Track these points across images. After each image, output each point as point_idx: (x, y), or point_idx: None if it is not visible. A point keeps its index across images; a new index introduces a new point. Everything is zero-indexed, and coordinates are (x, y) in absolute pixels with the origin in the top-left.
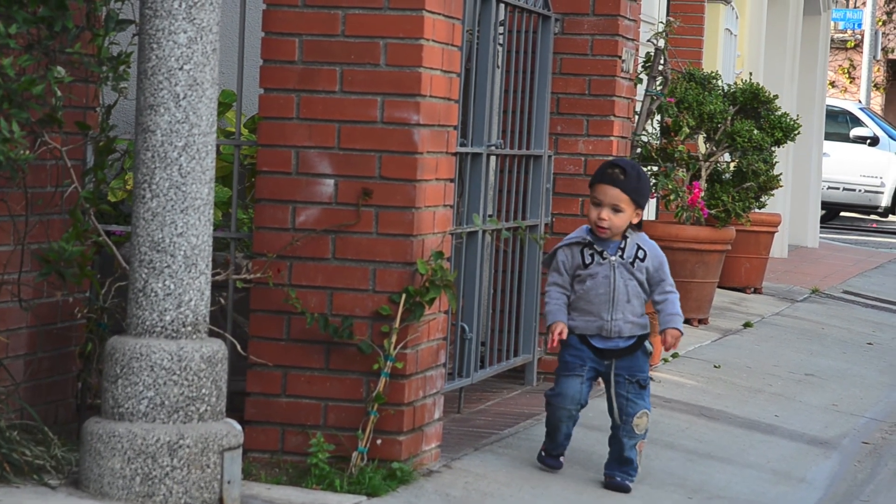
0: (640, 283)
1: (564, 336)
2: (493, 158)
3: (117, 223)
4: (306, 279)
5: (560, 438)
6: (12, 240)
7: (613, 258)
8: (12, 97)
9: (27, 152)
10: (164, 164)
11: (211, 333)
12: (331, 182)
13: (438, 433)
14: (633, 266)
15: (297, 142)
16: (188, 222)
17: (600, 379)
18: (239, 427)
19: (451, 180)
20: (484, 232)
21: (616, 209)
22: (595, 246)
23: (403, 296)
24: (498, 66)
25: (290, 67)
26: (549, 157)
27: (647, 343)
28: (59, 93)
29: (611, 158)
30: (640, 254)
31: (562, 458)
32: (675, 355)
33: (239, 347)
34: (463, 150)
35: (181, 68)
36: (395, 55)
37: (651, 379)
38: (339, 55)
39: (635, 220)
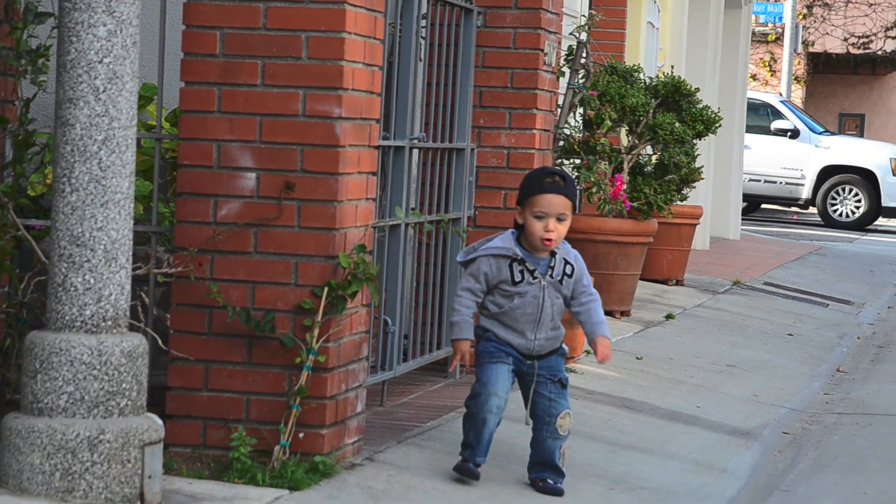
0: (565, 299)
1: (469, 362)
2: (415, 151)
3: (37, 217)
4: (228, 273)
5: (485, 437)
6: None
7: (544, 279)
8: None
9: None
10: (83, 158)
11: (131, 328)
12: (252, 176)
13: (361, 426)
14: (562, 284)
15: (218, 135)
16: (108, 216)
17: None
18: (160, 422)
19: (374, 173)
20: (406, 225)
21: (561, 218)
22: (527, 263)
23: (325, 289)
24: (420, 60)
25: (211, 61)
26: (472, 150)
27: (563, 345)
28: None
29: (537, 168)
30: (568, 269)
31: (480, 469)
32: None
33: (160, 342)
34: (385, 143)
35: (101, 61)
36: (317, 48)
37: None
38: (261, 48)
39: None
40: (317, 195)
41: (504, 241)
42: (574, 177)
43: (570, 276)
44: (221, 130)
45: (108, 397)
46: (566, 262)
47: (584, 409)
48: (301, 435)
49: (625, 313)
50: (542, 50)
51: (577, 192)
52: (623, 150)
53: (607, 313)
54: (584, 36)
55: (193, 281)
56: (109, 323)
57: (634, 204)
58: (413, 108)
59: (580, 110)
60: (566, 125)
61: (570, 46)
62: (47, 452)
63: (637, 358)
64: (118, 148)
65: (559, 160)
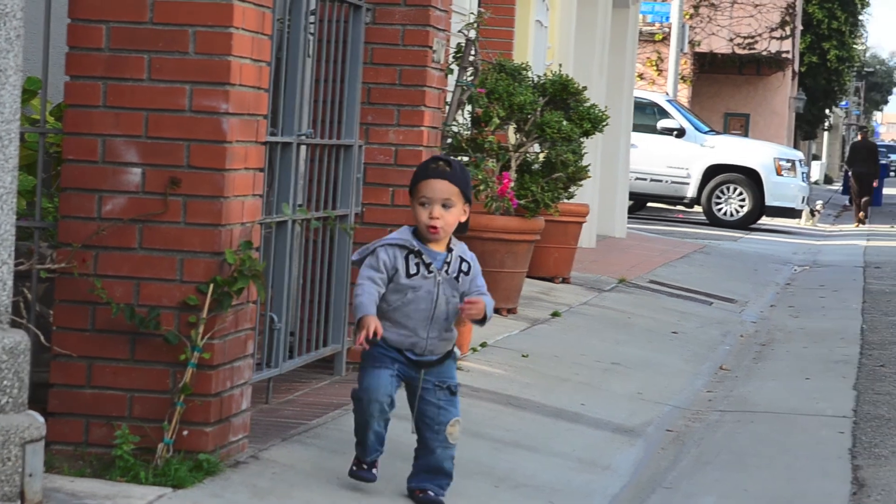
0: (460, 298)
1: (379, 333)
2: (303, 148)
3: None
4: (112, 269)
5: (371, 440)
6: None
7: (440, 274)
8: None
9: None
10: None
11: (13, 324)
12: (138, 171)
13: (246, 424)
14: (458, 281)
15: (103, 130)
16: None
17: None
18: (41, 419)
19: (261, 170)
20: (294, 222)
21: (446, 204)
22: (423, 256)
23: (211, 286)
24: (309, 56)
25: (96, 55)
26: (360, 146)
27: (455, 349)
28: None
29: (431, 156)
30: (465, 266)
31: (375, 470)
32: (480, 321)
33: (42, 338)
34: (273, 139)
35: None
36: (205, 43)
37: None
38: (148, 42)
39: (463, 218)
40: (203, 191)
41: (401, 233)
42: None
43: (466, 274)
44: (107, 125)
45: None
46: (462, 260)
47: (470, 407)
48: (185, 432)
49: (511, 311)
50: (431, 47)
51: (469, 179)
52: (511, 148)
53: (494, 311)
54: (472, 33)
55: (77, 277)
56: None
57: (521, 202)
58: (301, 105)
59: (468, 108)
60: (454, 122)
61: (459, 44)
62: None
63: (523, 356)
64: (1, 142)
65: None
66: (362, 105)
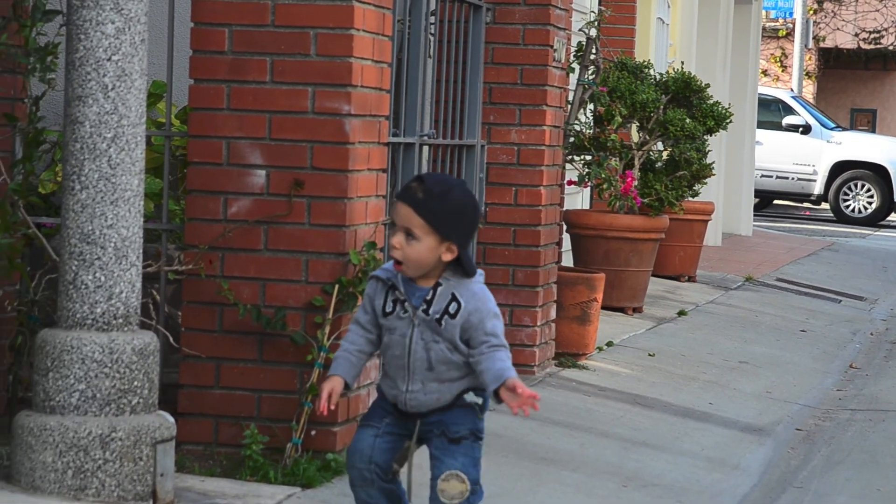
0: (454, 345)
1: (334, 399)
2: (425, 148)
3: (47, 215)
4: (238, 270)
5: None
6: None
7: (415, 314)
8: None
9: None
10: (93, 156)
11: (143, 326)
12: (262, 173)
13: None
14: (441, 324)
15: (227, 132)
16: (118, 214)
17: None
18: (172, 419)
19: (384, 170)
20: None
21: (410, 235)
22: (397, 291)
23: (336, 286)
24: (430, 56)
25: (219, 58)
26: (482, 146)
27: (470, 393)
28: None
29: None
30: (453, 307)
31: None
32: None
33: (171, 339)
34: (395, 140)
35: (109, 59)
36: (326, 45)
37: (478, 437)
38: (269, 45)
39: (446, 257)
40: (327, 192)
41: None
42: (585, 173)
43: (452, 317)
44: (231, 128)
45: (120, 395)
46: (453, 298)
47: (597, 406)
48: (313, 432)
49: (637, 310)
50: (552, 46)
51: (453, 215)
52: (634, 147)
53: (618, 309)
54: (593, 32)
55: (204, 279)
56: (120, 321)
57: (645, 200)
58: (423, 105)
59: (590, 106)
60: (576, 121)
61: (580, 42)
62: (59, 450)
63: (649, 355)
64: (127, 146)
65: (570, 156)
66: (484, 105)
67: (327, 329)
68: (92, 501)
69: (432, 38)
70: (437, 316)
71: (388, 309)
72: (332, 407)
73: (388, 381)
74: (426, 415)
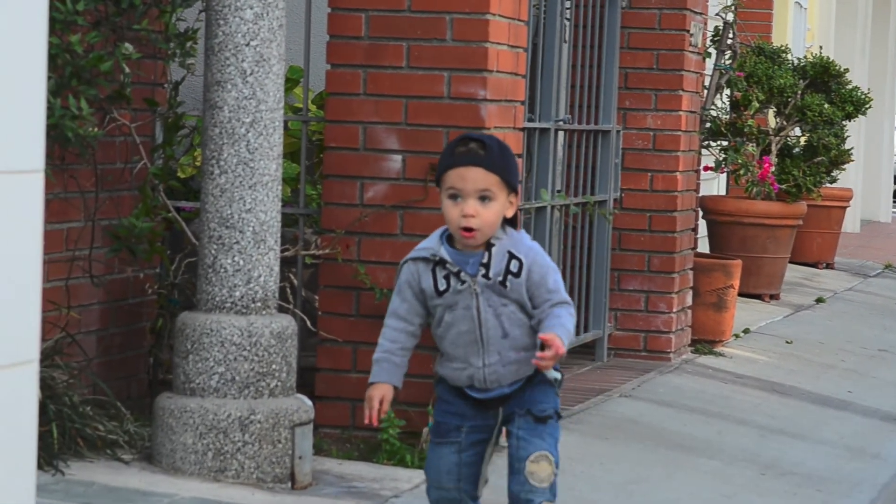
0: (522, 305)
1: (385, 408)
2: (560, 134)
3: (186, 199)
4: (375, 255)
5: None
6: (83, 216)
7: (474, 281)
8: (81, 74)
9: (96, 129)
10: (231, 141)
11: (280, 309)
12: (398, 158)
13: None
14: (506, 286)
15: (364, 117)
16: (256, 198)
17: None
18: (309, 402)
19: (519, 156)
20: (552, 207)
21: (484, 197)
22: (448, 264)
23: None
24: (565, 41)
25: (356, 43)
26: (618, 131)
27: (553, 372)
28: (127, 69)
29: (460, 135)
30: (514, 265)
31: None
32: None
33: (308, 323)
34: (531, 125)
35: (248, 44)
36: (462, 30)
37: (558, 414)
38: (406, 30)
39: (510, 212)
40: None
41: (430, 239)
42: (721, 159)
43: (516, 275)
44: (367, 113)
45: (259, 378)
46: (511, 256)
47: (734, 394)
48: None
49: (774, 297)
50: (688, 31)
51: (513, 162)
52: (771, 132)
53: (755, 296)
54: (730, 16)
55: (341, 263)
56: (259, 304)
57: (783, 186)
58: (558, 90)
59: (727, 92)
60: (713, 107)
61: (717, 27)
62: (199, 432)
63: (787, 342)
64: (265, 130)
65: (706, 141)
66: (619, 90)
67: None
68: (231, 483)
69: (568, 23)
70: (500, 277)
71: (442, 287)
72: (384, 416)
73: (456, 363)
74: (508, 397)
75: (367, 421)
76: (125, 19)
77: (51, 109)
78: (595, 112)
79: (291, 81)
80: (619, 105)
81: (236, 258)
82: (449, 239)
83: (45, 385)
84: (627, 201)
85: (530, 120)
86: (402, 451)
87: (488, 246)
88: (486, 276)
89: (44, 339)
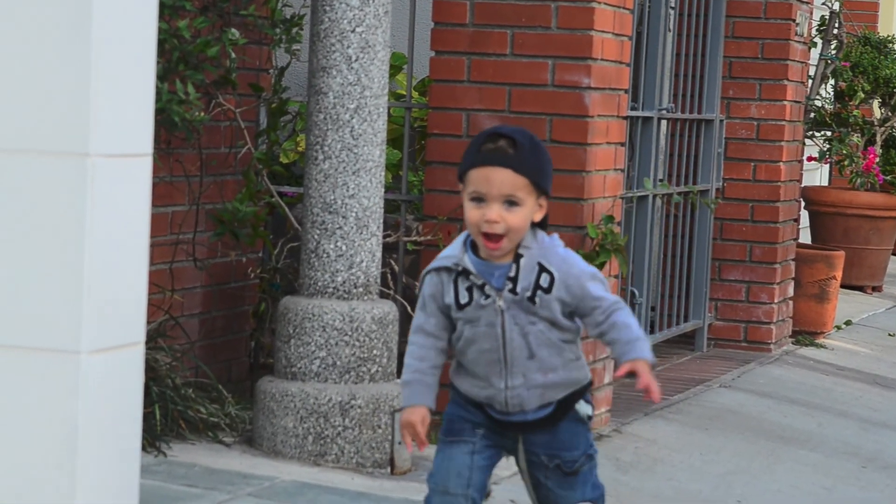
0: (553, 323)
1: (424, 430)
2: (663, 122)
3: (289, 184)
4: None
5: None
6: (187, 200)
7: (500, 295)
8: (188, 59)
9: (202, 114)
10: (336, 126)
11: (381, 295)
12: None
13: (608, 398)
14: (535, 301)
15: (467, 104)
16: (360, 184)
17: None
18: None
19: (622, 144)
20: (654, 196)
21: (511, 202)
22: (472, 275)
23: None
24: (669, 30)
25: (461, 30)
26: (721, 121)
27: (582, 403)
28: (233, 55)
29: (489, 128)
30: (544, 279)
31: None
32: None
33: (409, 309)
34: (634, 114)
35: (353, 31)
36: (567, 18)
37: (591, 456)
38: (510, 18)
39: (538, 216)
40: (565, 165)
41: (453, 246)
42: (825, 149)
43: (546, 291)
44: (471, 100)
45: (359, 363)
46: (541, 269)
47: (835, 386)
48: None
49: (876, 288)
50: (794, 20)
51: (546, 161)
52: (876, 123)
53: (857, 288)
54: (836, 6)
55: (442, 249)
56: (360, 290)
57: (887, 177)
58: (661, 79)
59: (832, 82)
60: (817, 97)
61: (823, 16)
62: (300, 416)
63: (889, 335)
64: (370, 116)
65: (810, 132)
66: (723, 79)
67: None
68: (331, 467)
69: (672, 12)
70: (529, 293)
71: (464, 300)
72: (426, 441)
73: (475, 380)
74: (530, 426)
75: (410, 450)
76: (232, 5)
77: (158, 94)
78: (698, 101)
79: (394, 68)
80: (723, 94)
81: (339, 243)
82: (473, 246)
83: (149, 367)
84: (730, 191)
85: (633, 109)
86: None
87: (516, 257)
88: (513, 290)
89: (148, 322)
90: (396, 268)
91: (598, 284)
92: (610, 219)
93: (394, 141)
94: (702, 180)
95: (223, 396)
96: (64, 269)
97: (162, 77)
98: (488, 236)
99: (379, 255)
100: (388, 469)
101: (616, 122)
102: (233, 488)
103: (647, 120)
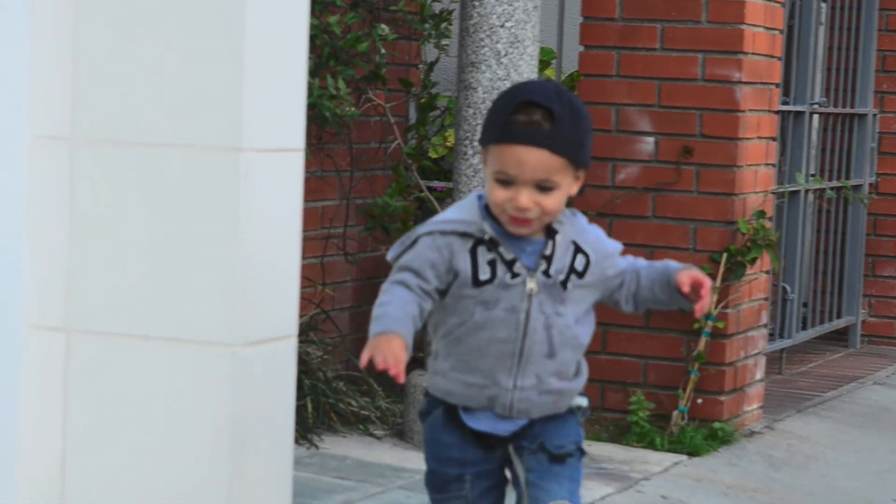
0: (580, 318)
1: (401, 364)
2: (815, 117)
3: (438, 179)
4: (626, 237)
5: None
6: (338, 194)
7: (531, 276)
8: (338, 54)
9: (352, 109)
10: None
11: None
12: (651, 140)
13: (760, 394)
14: (567, 286)
15: (616, 99)
16: None
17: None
18: None
19: (773, 139)
20: (806, 191)
21: (545, 186)
22: (501, 248)
23: (724, 255)
24: (821, 23)
25: (610, 25)
26: (874, 115)
27: (578, 398)
28: (382, 50)
29: (516, 83)
30: (580, 262)
31: None
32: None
33: None
34: (785, 108)
35: (502, 25)
36: (717, 12)
37: (581, 450)
38: (660, 12)
39: (573, 190)
40: (716, 160)
41: (463, 209)
42: None
43: (580, 275)
44: (620, 94)
45: None
46: (577, 250)
47: None
48: (699, 401)
49: None
50: None
51: (585, 129)
52: None
53: None
54: None
55: None
56: None
57: None
58: (813, 73)
59: None
60: None
61: None
62: None
63: None
64: None
65: None
66: (876, 73)
67: (715, 297)
68: None
69: (824, 5)
70: (562, 276)
71: (484, 275)
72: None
73: (474, 378)
74: (524, 431)
75: (382, 366)
76: (382, 0)
77: (309, 89)
78: (851, 95)
79: (542, 63)
80: (876, 88)
81: None
82: (490, 211)
83: (300, 360)
84: (883, 186)
85: (784, 103)
86: (652, 433)
87: (550, 232)
88: (546, 272)
89: (299, 316)
90: None
91: (622, 258)
92: (761, 214)
93: None
94: (855, 175)
95: (374, 389)
96: (218, 262)
97: (313, 72)
98: (518, 220)
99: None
100: None
101: (767, 116)
102: (384, 481)
103: (798, 114)
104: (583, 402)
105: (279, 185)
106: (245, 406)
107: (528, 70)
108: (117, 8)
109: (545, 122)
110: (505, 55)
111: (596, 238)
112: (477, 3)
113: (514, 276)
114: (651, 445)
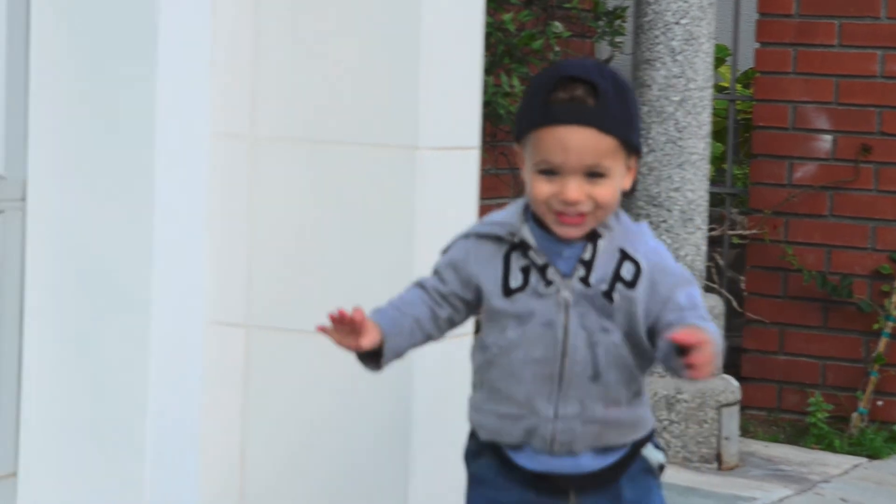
0: (631, 336)
1: (349, 316)
2: None
3: None
4: (802, 236)
5: None
6: (512, 192)
7: (568, 283)
8: (513, 52)
9: None
10: (660, 119)
11: (706, 289)
12: (828, 138)
13: None
14: (613, 299)
15: (793, 96)
16: (684, 177)
17: None
18: (736, 383)
19: None
20: None
21: (595, 173)
22: (533, 253)
23: None
24: None
25: (786, 21)
26: None
27: (650, 448)
28: (556, 48)
29: (552, 67)
30: (627, 270)
31: None
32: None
33: (734, 303)
34: None
35: (677, 22)
36: None
37: None
38: (837, 8)
39: (627, 183)
40: (895, 158)
41: (509, 210)
42: None
43: (629, 286)
44: (797, 91)
45: None
46: (624, 256)
47: None
48: (879, 402)
49: None
50: None
51: (633, 107)
52: None
53: None
54: None
55: (768, 243)
56: None
57: None
58: None
59: None
60: None
61: None
62: None
63: None
64: (694, 109)
65: None
66: None
67: (894, 298)
68: None
69: None
70: (605, 286)
71: (515, 283)
72: (347, 316)
73: (507, 407)
74: (584, 481)
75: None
76: None
77: (484, 87)
78: None
79: (717, 60)
80: None
81: (663, 237)
82: (532, 219)
83: None
84: None
85: None
86: (831, 435)
87: (592, 236)
88: (584, 280)
89: None
90: (721, 262)
91: (694, 293)
92: None
93: (716, 133)
94: None
95: None
96: (394, 259)
97: (487, 70)
98: (567, 217)
99: (704, 248)
100: (715, 464)
101: None
102: None
103: None
104: (660, 457)
105: (455, 182)
106: (422, 400)
107: (702, 67)
108: (296, 9)
109: (589, 98)
110: (680, 52)
111: (652, 249)
112: (651, 0)
113: (548, 283)
114: (829, 448)
